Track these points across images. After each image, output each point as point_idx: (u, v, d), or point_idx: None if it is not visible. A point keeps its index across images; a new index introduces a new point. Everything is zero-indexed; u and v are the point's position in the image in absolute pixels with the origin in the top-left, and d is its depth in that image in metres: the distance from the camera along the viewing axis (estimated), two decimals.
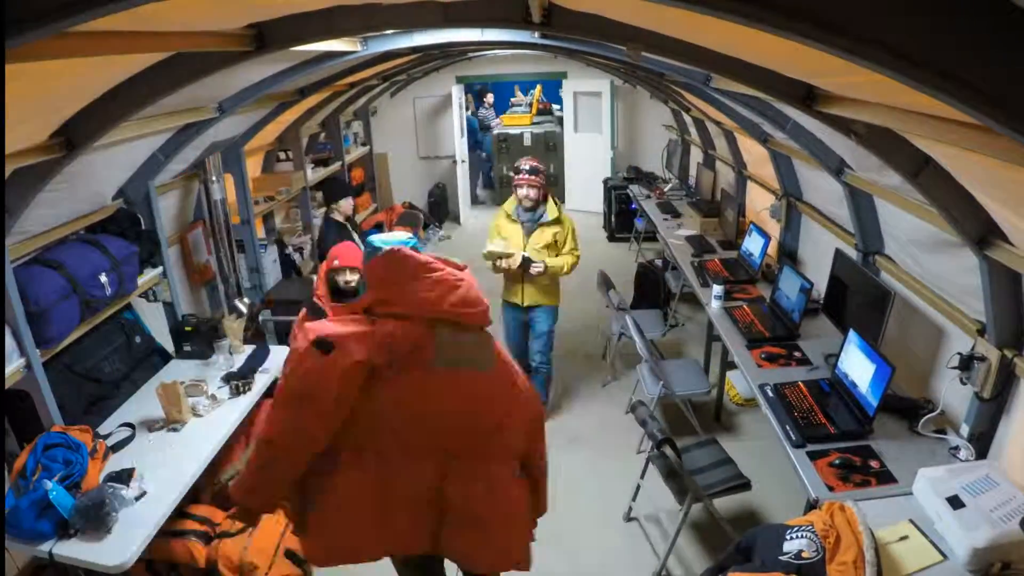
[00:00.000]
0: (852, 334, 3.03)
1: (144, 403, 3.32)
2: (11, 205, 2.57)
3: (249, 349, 3.86)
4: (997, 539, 2.07)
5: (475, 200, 11.07)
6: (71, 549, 2.39)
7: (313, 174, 6.77)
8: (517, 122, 11.11)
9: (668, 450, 3.02)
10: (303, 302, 2.98)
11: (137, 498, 2.63)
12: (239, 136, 4.84)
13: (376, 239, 2.15)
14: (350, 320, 2.06)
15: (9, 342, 2.68)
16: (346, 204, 4.70)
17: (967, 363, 2.57)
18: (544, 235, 4.11)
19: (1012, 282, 2.34)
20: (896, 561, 2.14)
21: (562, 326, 4.75)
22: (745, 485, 3.13)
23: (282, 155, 6.60)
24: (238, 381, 3.46)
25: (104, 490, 2.50)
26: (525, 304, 4.25)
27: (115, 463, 2.85)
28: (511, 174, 4.32)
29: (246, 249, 5.15)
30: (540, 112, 11.62)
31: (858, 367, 2.93)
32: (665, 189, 7.70)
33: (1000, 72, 1.02)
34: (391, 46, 3.58)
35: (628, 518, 3.58)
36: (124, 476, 2.71)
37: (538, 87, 11.85)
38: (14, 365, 2.70)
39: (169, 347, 3.93)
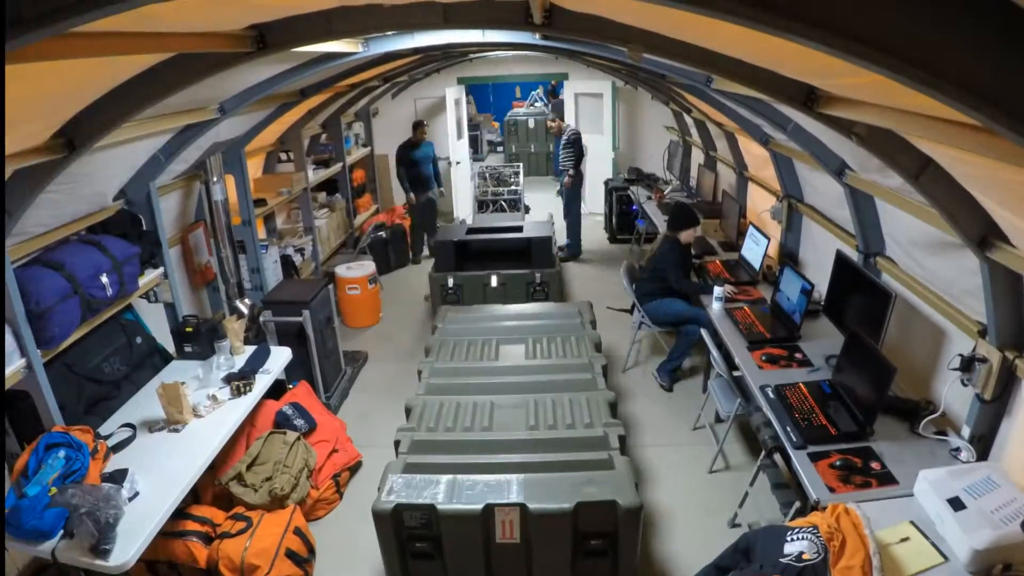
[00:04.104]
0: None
1: (145, 404, 3.33)
2: (12, 206, 2.58)
3: (250, 350, 3.86)
4: (998, 541, 2.07)
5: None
6: (73, 550, 2.39)
7: (314, 175, 6.78)
8: None
9: (778, 459, 2.98)
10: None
11: (130, 499, 2.63)
12: (240, 137, 4.85)
13: None
14: None
15: (10, 342, 2.68)
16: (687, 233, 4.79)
17: (968, 364, 2.57)
18: None
19: (1013, 283, 2.33)
20: (897, 563, 2.13)
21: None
22: None
23: (283, 156, 6.62)
24: (239, 382, 3.46)
25: (97, 493, 2.49)
26: None
27: (116, 463, 2.85)
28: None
29: (247, 250, 5.16)
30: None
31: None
32: (666, 191, 7.70)
33: (1004, 74, 1.02)
34: (392, 47, 3.59)
35: (733, 524, 3.47)
36: (118, 476, 2.72)
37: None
38: (15, 365, 2.70)
39: (170, 348, 3.93)
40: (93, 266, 3.13)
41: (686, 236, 4.76)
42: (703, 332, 3.91)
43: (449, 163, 9.51)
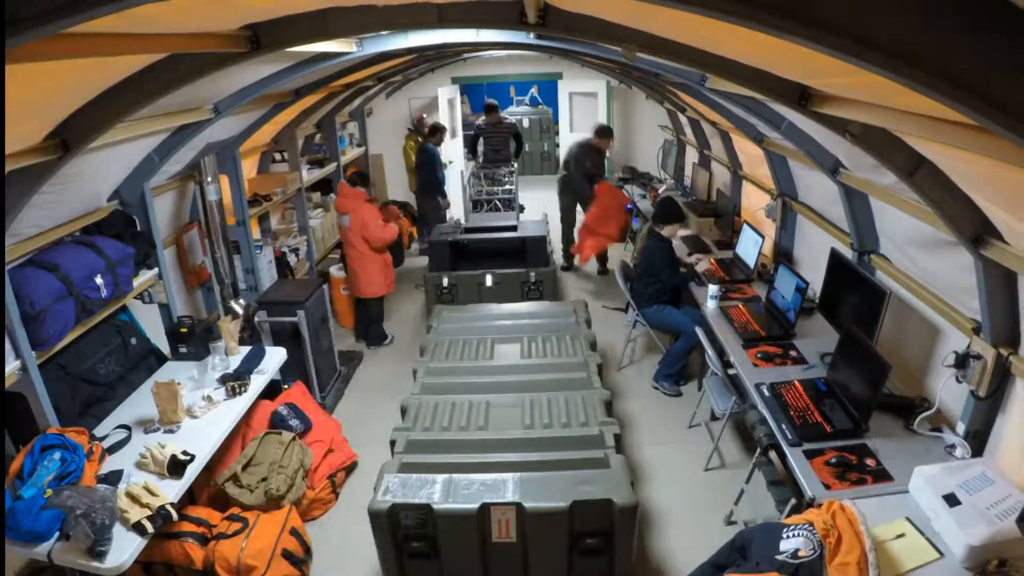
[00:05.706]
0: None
1: (140, 405, 3.31)
2: (6, 207, 2.56)
3: (245, 350, 3.85)
4: (993, 536, 2.08)
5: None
6: (68, 552, 2.38)
7: (308, 175, 6.76)
8: None
9: (774, 457, 2.99)
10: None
11: None
12: (234, 137, 4.83)
13: None
14: None
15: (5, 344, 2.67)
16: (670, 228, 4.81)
17: (963, 361, 2.59)
18: None
19: (1007, 280, 2.35)
20: (893, 559, 2.14)
21: None
22: None
23: (278, 156, 6.59)
24: (234, 382, 3.45)
25: (92, 495, 2.48)
26: None
27: (111, 465, 2.84)
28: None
29: (241, 250, 5.14)
30: None
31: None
32: (661, 189, 7.70)
33: (1002, 74, 1.03)
34: (386, 47, 3.58)
35: (729, 522, 3.47)
36: (113, 478, 2.71)
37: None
38: (9, 367, 2.68)
39: (165, 349, 3.92)
40: (88, 267, 3.12)
41: (669, 231, 4.77)
42: (698, 331, 3.92)
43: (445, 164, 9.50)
